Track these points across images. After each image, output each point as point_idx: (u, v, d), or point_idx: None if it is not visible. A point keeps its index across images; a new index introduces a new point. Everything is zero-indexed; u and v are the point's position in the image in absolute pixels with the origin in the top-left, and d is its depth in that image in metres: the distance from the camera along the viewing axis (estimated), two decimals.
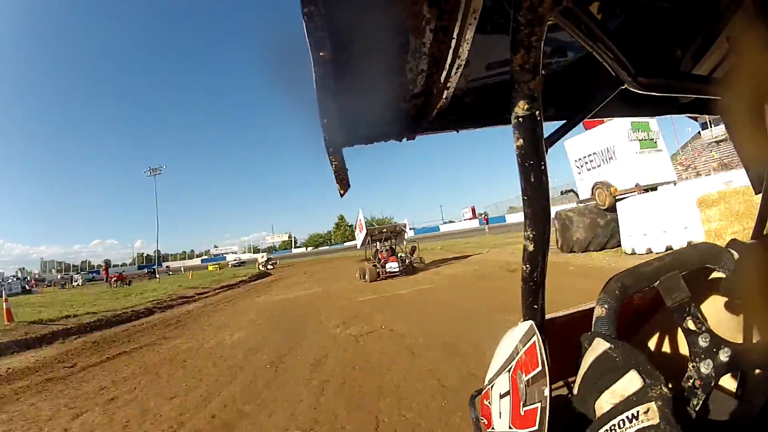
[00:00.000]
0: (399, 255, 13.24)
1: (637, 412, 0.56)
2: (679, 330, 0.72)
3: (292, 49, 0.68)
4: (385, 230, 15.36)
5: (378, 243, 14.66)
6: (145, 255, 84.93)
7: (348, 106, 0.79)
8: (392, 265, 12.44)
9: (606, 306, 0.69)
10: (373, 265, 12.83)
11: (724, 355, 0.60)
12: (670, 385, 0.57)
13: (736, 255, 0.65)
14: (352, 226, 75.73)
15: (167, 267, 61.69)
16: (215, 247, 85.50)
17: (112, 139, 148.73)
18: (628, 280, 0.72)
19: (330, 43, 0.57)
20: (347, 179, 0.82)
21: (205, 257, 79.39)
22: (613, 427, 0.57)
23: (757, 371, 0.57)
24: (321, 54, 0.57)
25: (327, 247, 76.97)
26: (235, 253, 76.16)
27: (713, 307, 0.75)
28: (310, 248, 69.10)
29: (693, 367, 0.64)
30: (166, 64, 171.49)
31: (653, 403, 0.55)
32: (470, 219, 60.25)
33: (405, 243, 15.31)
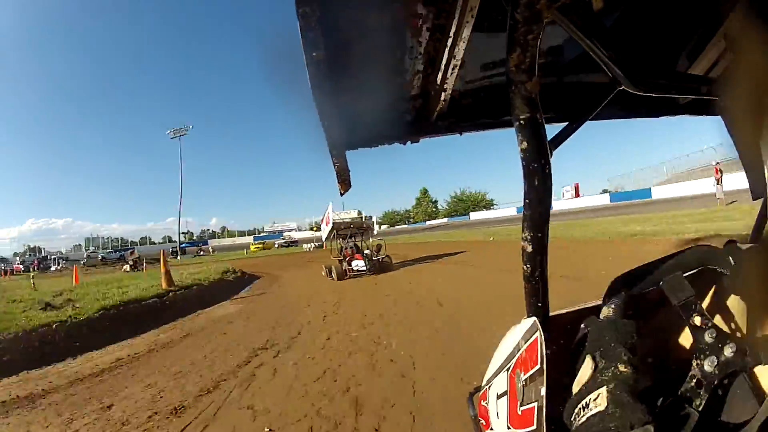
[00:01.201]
0: (365, 253, 12.47)
1: (589, 400, 0.55)
2: (681, 332, 0.71)
3: (291, 50, 0.65)
4: (351, 225, 13.64)
5: (341, 239, 13.77)
6: (210, 231, 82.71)
7: (347, 108, 0.78)
8: (358, 263, 11.73)
9: (612, 306, 0.70)
10: (339, 262, 12.08)
11: (728, 351, 0.57)
12: (624, 367, 0.55)
13: (733, 259, 0.64)
14: (436, 201, 66.70)
15: (198, 247, 56.62)
16: (273, 223, 74.38)
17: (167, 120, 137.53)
18: (632, 281, 0.72)
19: (325, 43, 0.56)
20: (349, 180, 0.83)
21: (257, 235, 69.46)
22: (575, 416, 0.57)
23: (763, 367, 0.54)
24: (314, 54, 0.56)
25: (405, 226, 66.75)
26: (293, 229, 66.56)
27: (713, 310, 0.73)
28: (384, 227, 60.02)
29: (697, 365, 0.61)
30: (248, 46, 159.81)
31: (604, 387, 0.54)
32: (574, 197, 43.09)
33: (371, 240, 14.24)
